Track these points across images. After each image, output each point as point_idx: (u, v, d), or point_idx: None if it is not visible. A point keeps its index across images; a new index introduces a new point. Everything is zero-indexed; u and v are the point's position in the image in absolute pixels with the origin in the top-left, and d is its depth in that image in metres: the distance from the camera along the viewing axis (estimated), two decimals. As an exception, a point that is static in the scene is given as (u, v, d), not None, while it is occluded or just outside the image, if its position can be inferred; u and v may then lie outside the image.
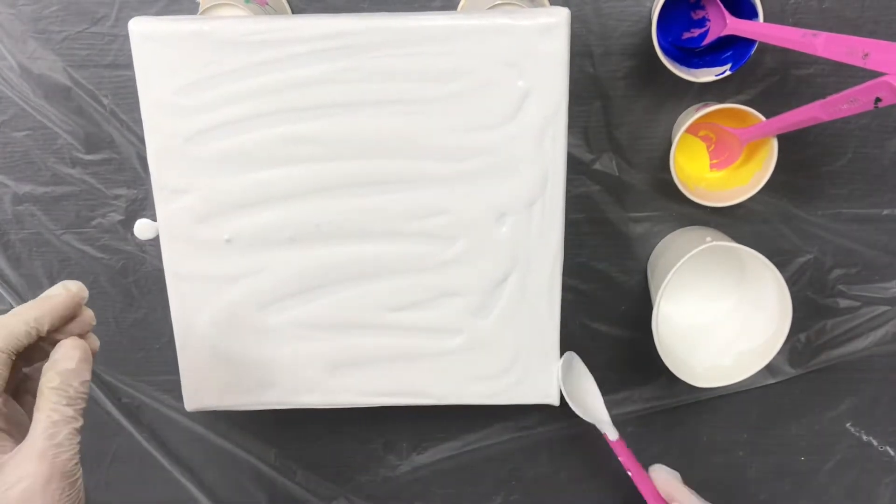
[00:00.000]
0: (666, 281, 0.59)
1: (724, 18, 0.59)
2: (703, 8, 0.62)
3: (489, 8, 0.58)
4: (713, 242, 0.59)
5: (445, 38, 0.53)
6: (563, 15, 0.53)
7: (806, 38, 0.51)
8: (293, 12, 0.64)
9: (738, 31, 0.59)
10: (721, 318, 0.66)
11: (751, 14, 0.58)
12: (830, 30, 0.62)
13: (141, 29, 0.54)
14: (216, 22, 0.54)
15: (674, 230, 0.67)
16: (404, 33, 0.53)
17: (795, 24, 0.62)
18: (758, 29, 0.57)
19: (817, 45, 0.50)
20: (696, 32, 0.62)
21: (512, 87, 0.54)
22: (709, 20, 0.61)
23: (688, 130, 0.60)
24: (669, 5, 0.60)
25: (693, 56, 0.63)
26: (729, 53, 0.61)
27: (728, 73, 0.60)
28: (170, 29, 0.54)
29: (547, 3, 0.62)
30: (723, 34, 0.60)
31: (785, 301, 0.59)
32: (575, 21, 0.63)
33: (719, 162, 0.63)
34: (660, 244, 0.68)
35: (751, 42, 0.59)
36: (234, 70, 0.54)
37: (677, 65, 0.60)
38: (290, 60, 0.54)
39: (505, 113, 0.55)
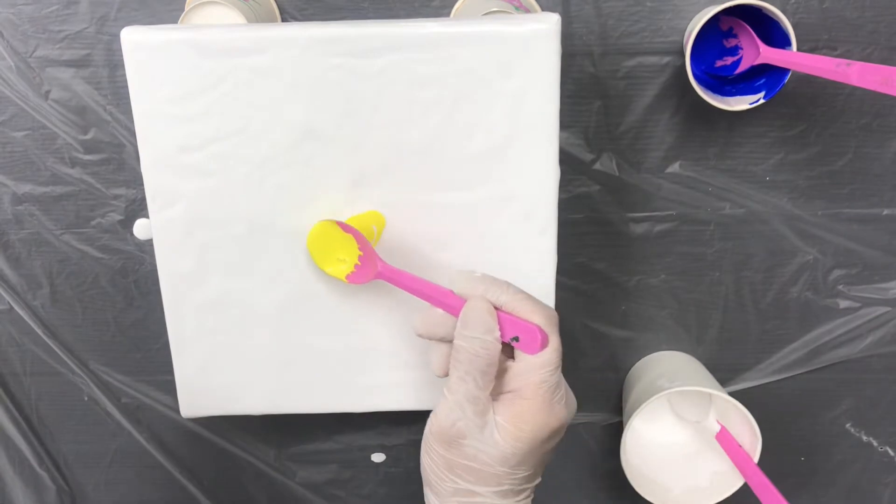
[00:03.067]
0: (629, 423, 0.62)
1: (756, 47, 0.59)
2: (735, 36, 0.61)
3: (483, 15, 0.58)
4: (672, 389, 0.61)
5: (438, 45, 0.53)
6: (553, 21, 0.53)
7: (840, 67, 0.50)
8: (292, 10, 0.64)
9: (771, 60, 0.58)
10: (695, 437, 0.68)
11: (783, 41, 0.58)
12: (830, 30, 0.62)
13: (132, 38, 0.54)
14: (208, 31, 0.54)
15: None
16: (397, 40, 0.53)
17: (796, 25, 0.62)
18: (791, 58, 0.57)
19: (851, 75, 0.49)
20: (729, 60, 0.62)
21: (504, 92, 0.54)
22: (741, 48, 0.61)
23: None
24: (701, 33, 0.60)
25: (726, 84, 0.63)
26: (762, 81, 0.61)
27: (762, 101, 0.60)
28: (161, 38, 0.54)
29: (538, 8, 0.62)
30: (755, 63, 0.59)
31: (753, 430, 0.61)
32: (575, 21, 0.63)
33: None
34: (639, 364, 0.70)
35: (784, 69, 0.59)
36: (226, 78, 0.54)
37: (711, 93, 0.60)
38: (282, 67, 0.54)
39: (497, 118, 0.55)
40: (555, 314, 0.49)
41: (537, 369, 0.47)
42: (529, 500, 0.50)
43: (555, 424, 0.48)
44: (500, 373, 0.48)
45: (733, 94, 0.61)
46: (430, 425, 0.49)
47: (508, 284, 0.49)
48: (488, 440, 0.47)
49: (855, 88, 0.63)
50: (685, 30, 0.62)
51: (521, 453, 0.47)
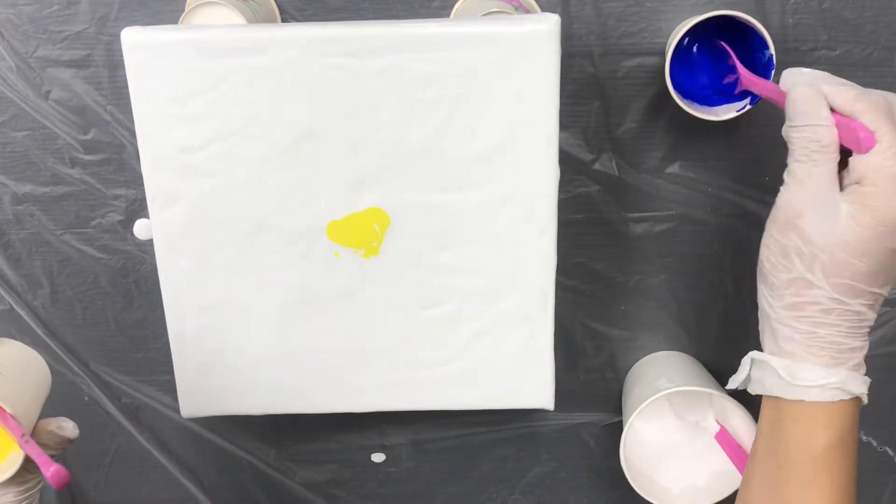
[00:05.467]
0: (628, 423, 0.62)
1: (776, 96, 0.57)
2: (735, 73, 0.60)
3: (482, 15, 0.58)
4: (672, 389, 0.61)
5: (438, 45, 0.53)
6: (553, 21, 0.53)
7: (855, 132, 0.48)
8: (293, 10, 0.64)
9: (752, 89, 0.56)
10: (695, 437, 0.68)
11: (762, 46, 0.58)
12: (830, 30, 0.62)
13: (133, 38, 0.54)
14: (208, 31, 0.54)
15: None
16: (397, 40, 0.53)
17: (795, 25, 0.62)
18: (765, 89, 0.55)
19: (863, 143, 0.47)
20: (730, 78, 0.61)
21: (504, 92, 0.54)
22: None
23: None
24: (705, 52, 0.60)
25: (714, 93, 0.63)
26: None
27: (748, 106, 0.60)
28: (162, 38, 0.54)
29: (538, 8, 0.62)
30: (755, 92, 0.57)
31: (753, 430, 0.61)
32: (575, 21, 0.63)
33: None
34: (639, 364, 0.70)
35: (766, 72, 0.58)
36: (226, 78, 0.54)
37: (695, 105, 0.60)
38: (282, 68, 0.54)
39: (497, 118, 0.55)
40: (884, 96, 0.46)
41: (874, 157, 0.44)
42: (872, 309, 0.48)
43: None
44: (843, 165, 0.47)
45: (721, 104, 0.61)
46: (771, 214, 0.48)
47: (830, 77, 0.48)
48: (829, 221, 0.45)
49: (855, 88, 0.63)
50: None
51: (861, 240, 0.45)
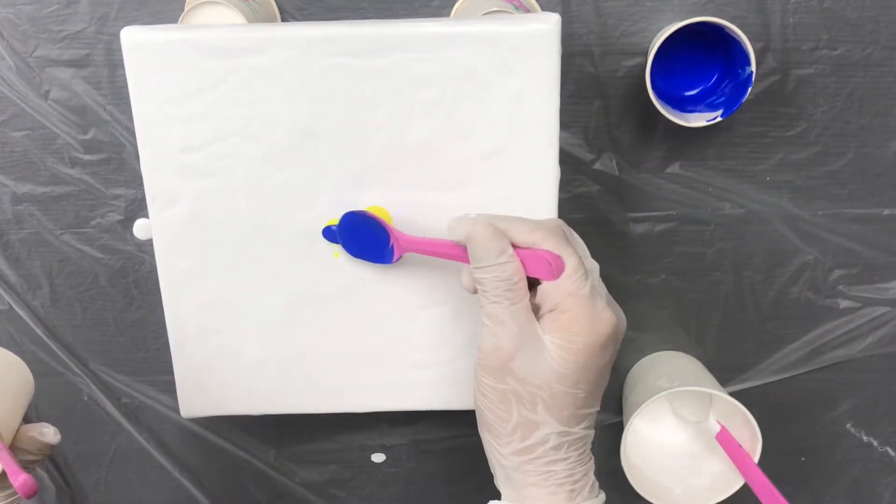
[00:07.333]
0: (629, 423, 0.62)
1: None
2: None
3: (483, 14, 0.58)
4: (672, 389, 0.61)
5: (438, 45, 0.53)
6: (553, 21, 0.53)
7: None
8: (292, 10, 0.64)
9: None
10: (695, 437, 0.68)
11: (744, 60, 0.58)
12: (830, 30, 0.62)
13: (132, 38, 0.54)
14: (208, 31, 0.54)
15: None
16: (397, 40, 0.53)
17: (796, 25, 0.62)
18: None
19: None
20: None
21: (504, 92, 0.54)
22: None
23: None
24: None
25: (686, 101, 0.64)
26: (722, 99, 0.61)
27: (719, 118, 0.60)
28: (161, 38, 0.54)
29: (538, 8, 0.62)
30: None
31: (753, 430, 0.61)
32: (575, 21, 0.63)
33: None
34: (639, 364, 0.70)
35: (743, 89, 0.59)
36: (226, 78, 0.54)
37: (671, 109, 0.61)
38: (282, 67, 0.54)
39: (497, 118, 0.55)
40: (558, 224, 0.48)
41: (565, 282, 0.45)
42: (592, 431, 0.48)
43: (604, 330, 0.46)
44: (535, 293, 0.47)
45: (693, 111, 0.62)
46: (479, 361, 0.47)
47: (501, 216, 0.48)
48: (540, 357, 0.45)
49: (855, 87, 0.63)
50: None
51: (576, 368, 0.45)
